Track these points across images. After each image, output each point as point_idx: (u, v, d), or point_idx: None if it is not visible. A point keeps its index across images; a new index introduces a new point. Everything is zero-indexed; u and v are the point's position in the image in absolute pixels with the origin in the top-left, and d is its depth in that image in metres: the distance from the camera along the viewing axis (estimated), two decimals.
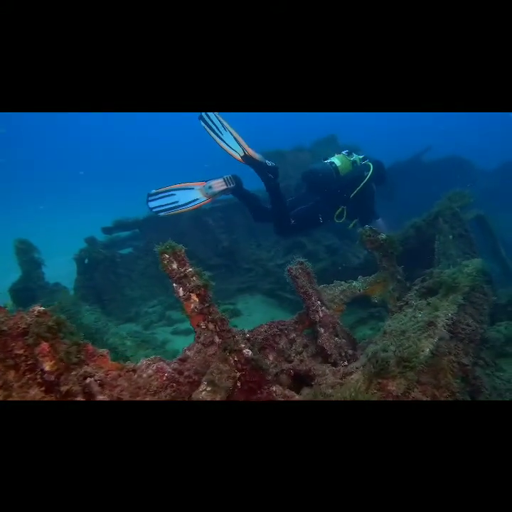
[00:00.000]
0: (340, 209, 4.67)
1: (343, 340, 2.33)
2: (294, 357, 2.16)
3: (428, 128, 27.24)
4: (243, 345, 1.86)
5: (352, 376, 1.83)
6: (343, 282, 2.84)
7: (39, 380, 1.60)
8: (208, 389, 1.74)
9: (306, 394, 1.94)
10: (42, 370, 1.59)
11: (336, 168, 4.51)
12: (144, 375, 1.79)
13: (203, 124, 4.13)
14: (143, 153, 36.79)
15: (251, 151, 4.15)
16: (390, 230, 4.31)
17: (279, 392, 1.78)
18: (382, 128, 30.94)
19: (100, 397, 1.61)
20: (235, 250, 6.42)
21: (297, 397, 1.85)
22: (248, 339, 2.02)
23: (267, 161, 4.23)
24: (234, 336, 1.88)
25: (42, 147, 37.84)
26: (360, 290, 2.84)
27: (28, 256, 5.23)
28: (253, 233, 7.04)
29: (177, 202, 4.15)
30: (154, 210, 4.19)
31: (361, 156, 4.78)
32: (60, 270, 6.32)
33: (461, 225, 3.90)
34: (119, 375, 1.75)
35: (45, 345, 1.60)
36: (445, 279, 2.40)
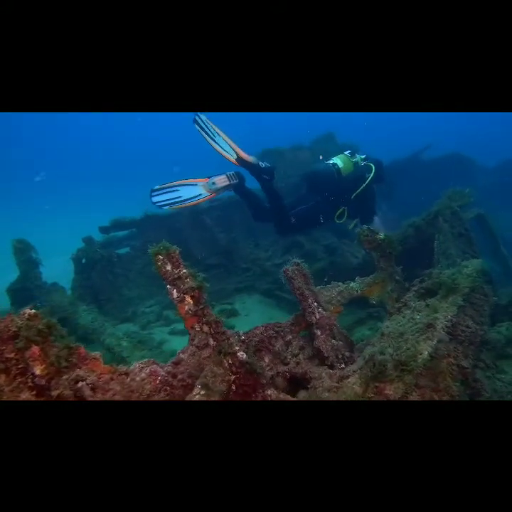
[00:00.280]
0: (341, 209, 4.66)
1: (340, 342, 2.30)
2: (290, 359, 2.13)
3: (423, 128, 27.20)
4: (238, 348, 1.83)
5: (348, 380, 1.80)
6: (340, 283, 2.81)
7: (30, 384, 1.57)
8: (202, 393, 1.71)
9: (301, 397, 1.91)
10: (33, 374, 1.57)
11: (338, 169, 4.51)
12: (137, 379, 1.76)
13: (197, 127, 4.16)
14: (143, 153, 36.81)
15: (244, 154, 4.18)
16: (386, 228, 4.30)
17: (274, 396, 1.75)
18: (380, 126, 30.91)
19: None
20: (233, 249, 6.39)
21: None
22: (243, 341, 2.00)
23: (260, 163, 4.25)
24: (228, 339, 1.85)
25: (41, 147, 37.84)
26: (357, 291, 2.80)
27: (25, 256, 5.21)
28: (251, 232, 7.00)
29: (180, 197, 4.19)
30: (157, 204, 4.22)
31: (363, 156, 4.75)
32: (58, 270, 6.30)
33: (461, 224, 3.86)
34: (112, 379, 1.73)
35: (35, 349, 1.57)
36: (444, 280, 2.36)
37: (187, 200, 4.19)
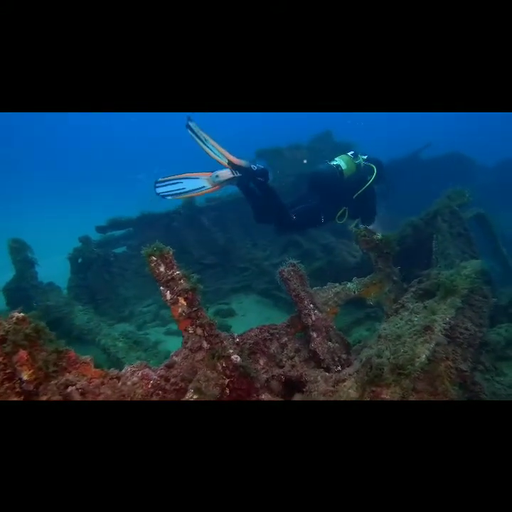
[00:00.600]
0: (342, 210, 4.65)
1: (337, 344, 2.26)
2: (286, 362, 2.09)
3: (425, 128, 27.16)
4: (232, 351, 1.80)
5: (345, 383, 1.76)
6: (337, 284, 2.77)
7: (18, 390, 1.54)
8: (195, 397, 1.67)
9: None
10: (20, 379, 1.53)
11: (341, 171, 4.50)
12: (129, 383, 1.73)
13: (190, 132, 4.14)
14: (142, 153, 36.70)
15: (234, 159, 4.19)
16: (382, 227, 4.28)
17: (268, 400, 1.71)
18: (379, 126, 30.86)
19: None
20: (230, 249, 6.35)
21: None
22: (237, 344, 1.96)
23: (252, 166, 4.25)
24: (222, 341, 1.82)
25: (41, 147, 37.72)
26: (354, 292, 2.76)
27: (21, 255, 5.17)
28: (249, 232, 6.96)
29: (184, 188, 4.23)
30: (161, 194, 4.24)
31: (365, 157, 4.74)
32: (55, 269, 6.24)
33: (460, 224, 3.83)
34: (103, 383, 1.69)
35: (23, 354, 1.54)
36: (443, 281, 2.32)
37: (190, 191, 4.23)
